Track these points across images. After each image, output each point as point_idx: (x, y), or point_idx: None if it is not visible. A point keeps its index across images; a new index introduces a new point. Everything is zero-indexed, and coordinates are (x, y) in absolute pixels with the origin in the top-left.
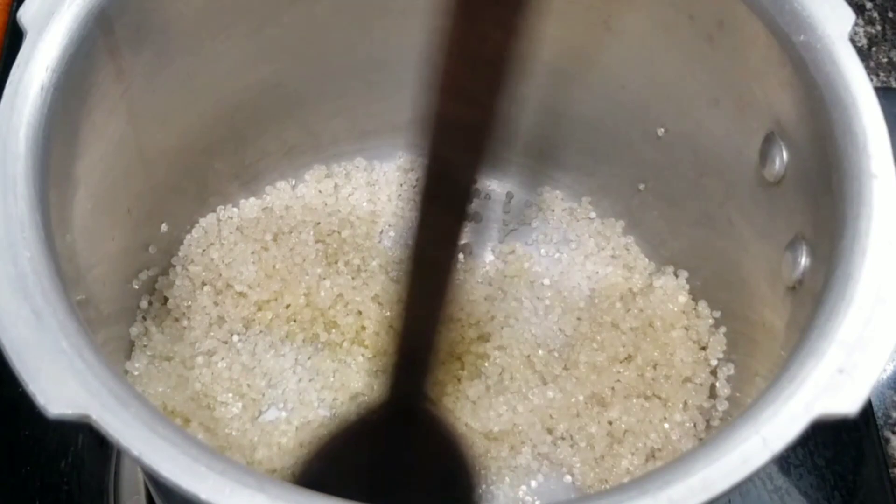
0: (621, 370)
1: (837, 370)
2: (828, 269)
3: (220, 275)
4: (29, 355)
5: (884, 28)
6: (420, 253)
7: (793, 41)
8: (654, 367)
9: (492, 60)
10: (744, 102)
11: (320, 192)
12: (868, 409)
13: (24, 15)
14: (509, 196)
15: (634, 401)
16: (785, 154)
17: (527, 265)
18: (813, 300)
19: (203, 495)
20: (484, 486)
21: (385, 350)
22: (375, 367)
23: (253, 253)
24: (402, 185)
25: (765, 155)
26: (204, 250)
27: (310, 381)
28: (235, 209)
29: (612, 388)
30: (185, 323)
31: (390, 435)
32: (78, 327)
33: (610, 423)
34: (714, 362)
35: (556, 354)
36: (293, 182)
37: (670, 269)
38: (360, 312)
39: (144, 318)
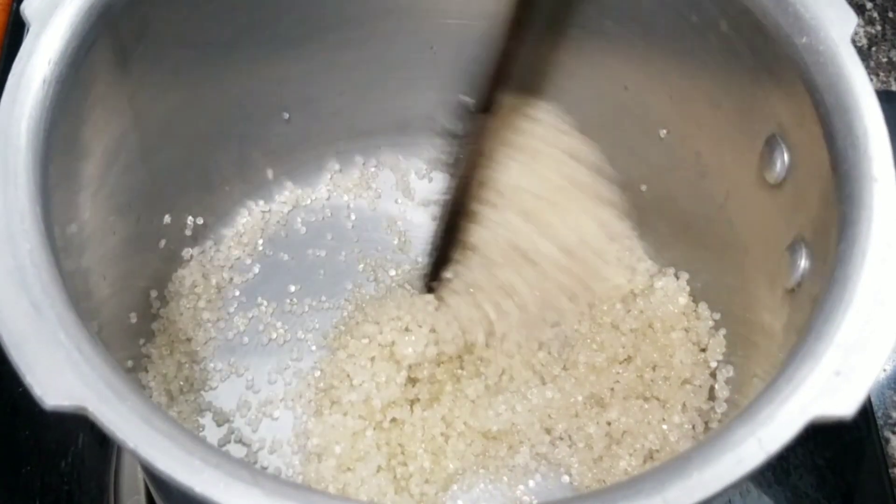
0: (620, 371)
1: (834, 372)
2: (827, 272)
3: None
4: (27, 347)
5: (884, 28)
6: None
7: (795, 43)
8: (654, 368)
9: None
10: (746, 105)
11: (328, 190)
12: (868, 409)
13: (28, 8)
14: None
15: (633, 402)
16: (786, 156)
17: None
18: (812, 302)
19: (198, 488)
20: (482, 486)
21: None
22: None
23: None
24: (403, 185)
25: (766, 157)
26: (207, 249)
27: None
28: (241, 208)
29: (612, 389)
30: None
31: None
32: (76, 320)
33: (609, 423)
34: (713, 364)
35: (555, 355)
36: (296, 181)
37: (671, 270)
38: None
39: (150, 312)
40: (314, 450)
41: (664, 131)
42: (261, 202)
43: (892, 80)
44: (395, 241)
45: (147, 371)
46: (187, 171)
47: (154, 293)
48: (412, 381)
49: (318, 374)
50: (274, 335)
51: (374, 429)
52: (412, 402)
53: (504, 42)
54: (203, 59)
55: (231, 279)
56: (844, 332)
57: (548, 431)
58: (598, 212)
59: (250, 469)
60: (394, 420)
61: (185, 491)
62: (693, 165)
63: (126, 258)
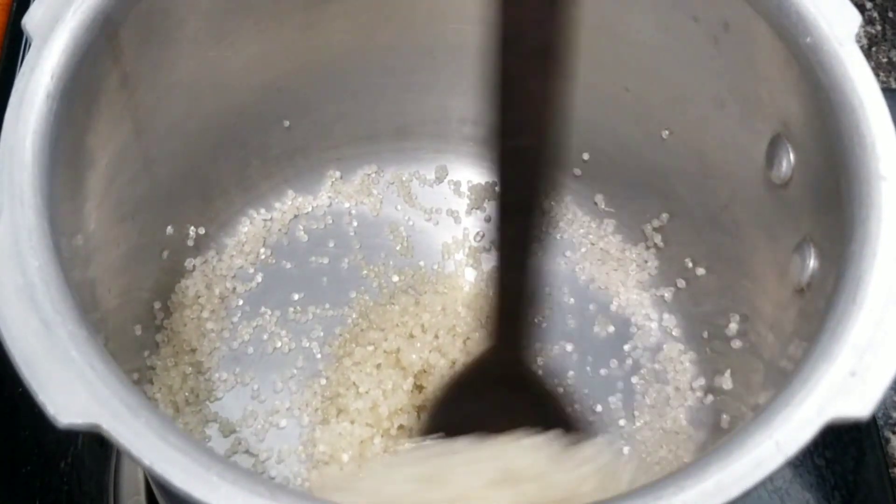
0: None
1: (849, 373)
2: (837, 272)
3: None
4: (38, 365)
5: (884, 28)
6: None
7: (799, 43)
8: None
9: None
10: (750, 104)
11: (329, 197)
12: None
13: (30, 22)
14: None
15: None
16: (792, 156)
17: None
18: (822, 303)
19: None
20: None
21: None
22: None
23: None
24: (404, 191)
25: (771, 157)
26: (210, 259)
27: None
28: (243, 217)
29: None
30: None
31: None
32: (87, 336)
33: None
34: (721, 366)
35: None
36: (297, 188)
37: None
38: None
39: (154, 323)
40: (321, 458)
41: (666, 132)
42: (262, 210)
43: (892, 79)
44: (398, 247)
45: (152, 383)
46: (189, 181)
47: (157, 304)
48: (419, 388)
49: (323, 382)
50: (279, 344)
51: (382, 436)
52: (419, 409)
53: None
54: (205, 70)
55: (234, 289)
56: (858, 332)
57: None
58: None
59: (268, 484)
60: (401, 427)
61: None
62: (697, 166)
63: (130, 269)
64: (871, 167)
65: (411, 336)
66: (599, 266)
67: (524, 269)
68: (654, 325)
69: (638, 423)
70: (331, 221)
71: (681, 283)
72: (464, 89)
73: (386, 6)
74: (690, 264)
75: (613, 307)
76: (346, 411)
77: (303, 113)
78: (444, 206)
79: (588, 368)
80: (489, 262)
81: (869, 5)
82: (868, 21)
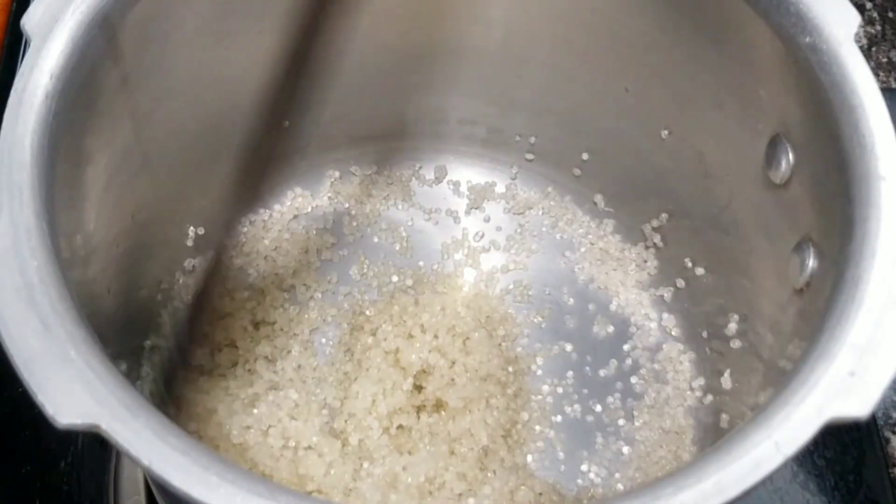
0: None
1: (849, 373)
2: (836, 272)
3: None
4: (37, 365)
5: (884, 28)
6: None
7: (798, 43)
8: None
9: None
10: (749, 104)
11: (329, 197)
12: None
13: (28, 22)
14: (511, 193)
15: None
16: (791, 156)
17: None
18: (822, 303)
19: None
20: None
21: None
22: None
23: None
24: (404, 191)
25: (770, 157)
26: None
27: None
28: (242, 217)
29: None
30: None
31: None
32: (86, 336)
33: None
34: (720, 366)
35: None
36: (297, 188)
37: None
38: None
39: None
40: None
41: (666, 132)
42: (262, 210)
43: (892, 79)
44: (398, 247)
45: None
46: (188, 181)
47: (157, 304)
48: (418, 388)
49: (322, 382)
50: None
51: (381, 436)
52: (418, 409)
53: None
54: (204, 71)
55: (234, 289)
56: (857, 332)
57: None
58: None
59: (267, 484)
60: (400, 427)
61: None
62: (696, 166)
63: (129, 269)
64: (870, 167)
65: (410, 336)
66: (599, 266)
67: None
68: (653, 324)
69: (637, 423)
70: (331, 221)
71: (680, 282)
72: (464, 89)
73: (386, 7)
74: (690, 264)
75: (613, 307)
76: (345, 411)
77: (303, 113)
78: (443, 206)
79: (587, 368)
80: (489, 262)
81: (869, 5)
82: (868, 21)
